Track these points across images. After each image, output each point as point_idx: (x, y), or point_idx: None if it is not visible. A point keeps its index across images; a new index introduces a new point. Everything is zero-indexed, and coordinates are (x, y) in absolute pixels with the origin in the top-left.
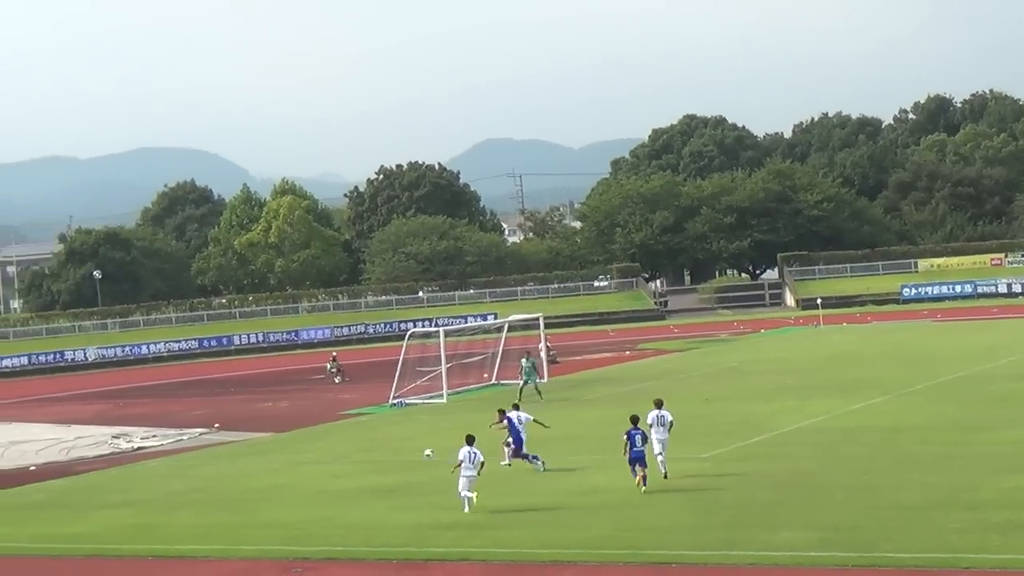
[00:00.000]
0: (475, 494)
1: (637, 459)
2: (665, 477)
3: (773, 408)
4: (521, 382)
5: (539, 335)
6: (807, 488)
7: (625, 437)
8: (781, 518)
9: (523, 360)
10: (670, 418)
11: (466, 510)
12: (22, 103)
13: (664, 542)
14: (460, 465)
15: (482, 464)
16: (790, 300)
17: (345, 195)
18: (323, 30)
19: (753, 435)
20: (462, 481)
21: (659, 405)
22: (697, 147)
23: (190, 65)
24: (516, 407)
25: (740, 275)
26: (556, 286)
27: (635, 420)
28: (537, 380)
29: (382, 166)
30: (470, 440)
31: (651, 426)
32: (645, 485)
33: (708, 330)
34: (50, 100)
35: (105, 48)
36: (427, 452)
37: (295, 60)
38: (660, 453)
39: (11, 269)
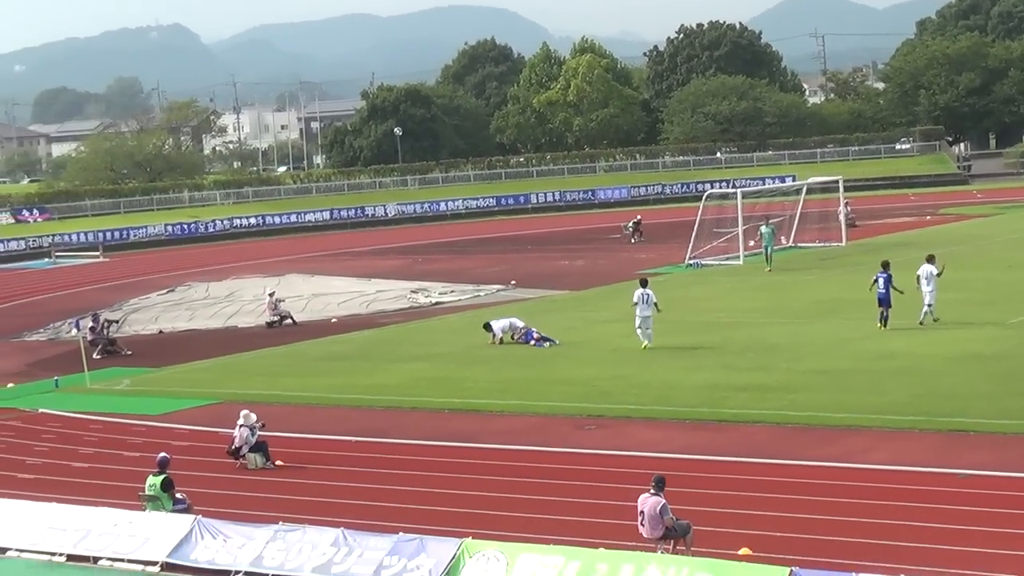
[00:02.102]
0: (651, 333)
1: (881, 300)
2: (644, 348)
3: None
4: (763, 249)
5: (838, 198)
6: None
7: (874, 279)
8: None
9: (762, 227)
10: (654, 299)
11: (645, 344)
12: None
13: (962, 409)
14: (635, 305)
15: (656, 304)
16: None
17: (644, 54)
18: None
19: None
20: (638, 319)
21: (644, 284)
22: (1007, 7)
23: None
24: (644, 283)
25: None
26: (856, 148)
27: (886, 265)
28: (773, 248)
29: (682, 25)
30: (644, 283)
31: (635, 304)
32: (884, 326)
33: (1013, 195)
34: None
35: None
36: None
37: None
38: (643, 328)
39: (315, 125)
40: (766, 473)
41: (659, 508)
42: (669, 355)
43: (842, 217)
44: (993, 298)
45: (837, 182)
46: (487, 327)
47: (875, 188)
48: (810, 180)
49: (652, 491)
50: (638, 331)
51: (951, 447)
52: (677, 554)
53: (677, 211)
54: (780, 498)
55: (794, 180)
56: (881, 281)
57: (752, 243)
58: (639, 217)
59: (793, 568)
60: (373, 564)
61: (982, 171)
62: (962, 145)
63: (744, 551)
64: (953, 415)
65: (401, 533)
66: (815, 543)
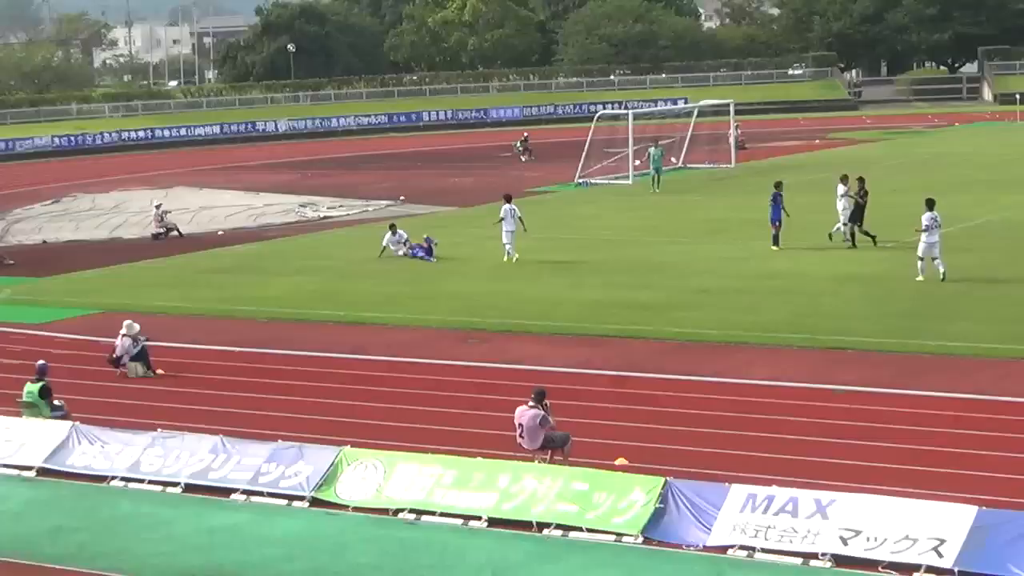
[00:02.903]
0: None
1: (773, 219)
2: (508, 261)
3: (962, 200)
4: (651, 171)
5: (729, 121)
6: (991, 281)
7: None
8: (962, 309)
9: (651, 148)
10: (519, 213)
11: (507, 257)
12: None
13: (841, 328)
14: (501, 220)
15: (521, 219)
16: (988, 95)
17: None
18: None
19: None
20: (505, 235)
21: (508, 200)
22: None
23: None
24: (508, 199)
25: (938, 68)
26: (749, 73)
27: (778, 185)
28: (663, 169)
29: None
30: (508, 198)
31: (501, 220)
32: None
33: (901, 122)
34: None
35: None
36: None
37: None
38: (510, 242)
39: (208, 40)
40: (645, 387)
41: (538, 419)
42: (554, 271)
43: (732, 140)
44: (874, 221)
45: (728, 106)
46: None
47: (766, 112)
48: (702, 103)
49: (531, 403)
50: (506, 246)
51: (829, 364)
52: (554, 464)
53: (569, 131)
54: (658, 411)
55: (686, 103)
56: (772, 202)
57: (638, 163)
58: (526, 134)
59: (668, 478)
60: (251, 471)
61: (873, 97)
62: (854, 72)
63: (620, 461)
64: (832, 333)
65: (280, 441)
66: (691, 454)
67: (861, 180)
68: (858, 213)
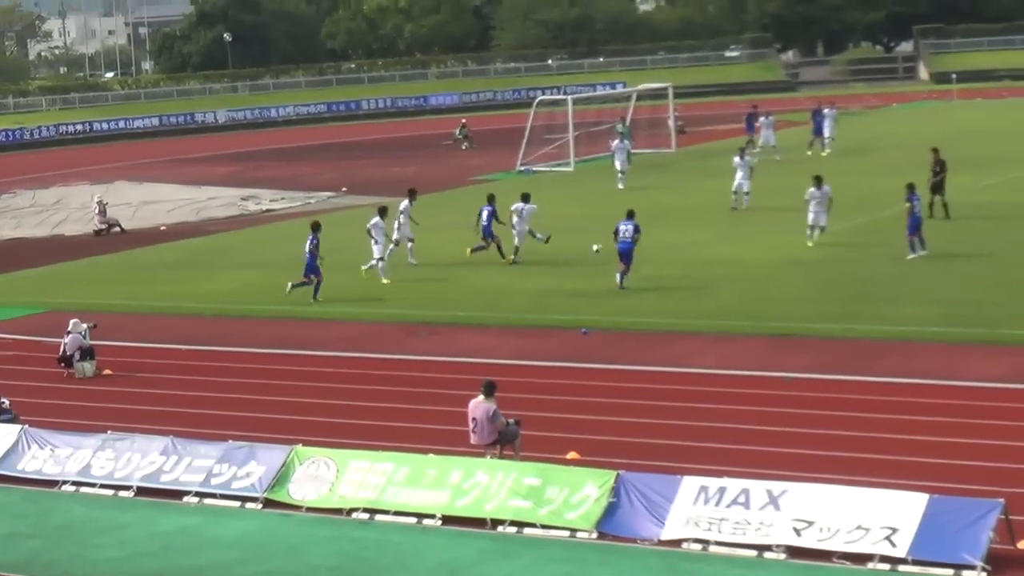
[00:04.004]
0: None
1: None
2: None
3: (902, 182)
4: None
5: (668, 105)
6: (934, 263)
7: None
8: (905, 292)
9: (618, 126)
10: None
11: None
12: None
13: (787, 314)
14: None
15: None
16: (924, 74)
17: None
18: None
19: (881, 209)
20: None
21: (411, 195)
22: None
23: None
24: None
25: (874, 47)
26: (686, 55)
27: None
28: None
29: None
30: (411, 193)
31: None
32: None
33: (839, 102)
34: None
35: None
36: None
37: None
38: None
39: (143, 31)
40: (595, 378)
41: (491, 413)
42: (501, 261)
43: (672, 123)
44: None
45: (667, 89)
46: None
47: (705, 95)
48: (640, 87)
49: (482, 396)
50: (407, 249)
51: (776, 351)
52: (505, 458)
53: (508, 117)
54: (608, 402)
55: (624, 87)
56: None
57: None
58: (465, 121)
59: (620, 471)
60: (203, 472)
61: (810, 78)
62: (790, 52)
63: (572, 455)
64: (779, 320)
65: (231, 441)
66: (642, 447)
67: (935, 151)
68: (939, 185)
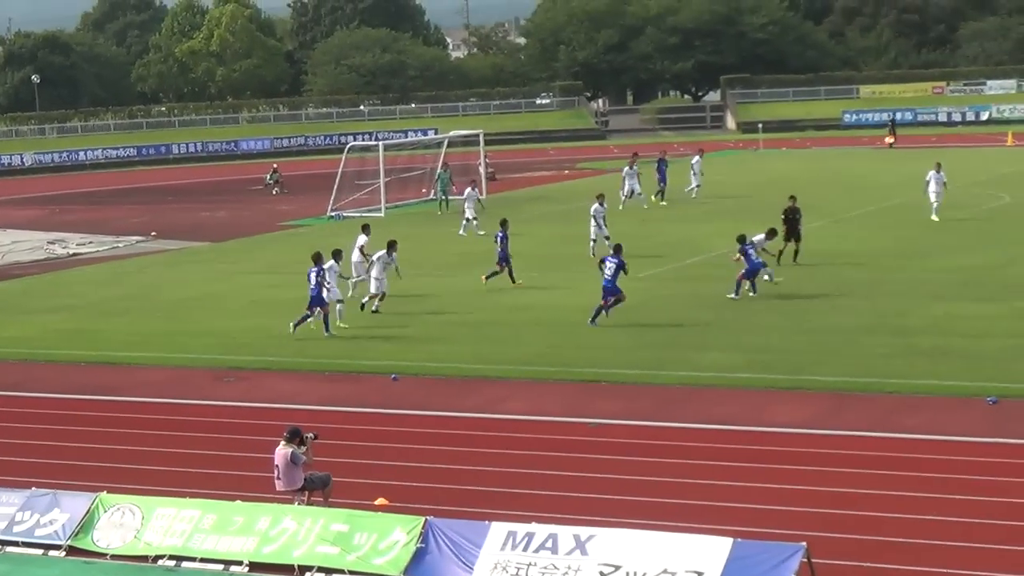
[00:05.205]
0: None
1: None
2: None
3: (709, 230)
4: (440, 195)
5: (479, 151)
6: (739, 310)
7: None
8: (711, 339)
9: (440, 171)
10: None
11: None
12: None
13: (596, 360)
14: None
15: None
16: (731, 123)
17: (288, 5)
18: None
19: (689, 256)
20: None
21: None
22: None
23: None
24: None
25: (683, 96)
26: (498, 103)
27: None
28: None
29: None
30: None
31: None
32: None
33: (648, 151)
34: None
35: None
36: None
37: None
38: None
39: None
40: (404, 424)
41: (290, 455)
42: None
43: (482, 170)
44: (626, 252)
45: (478, 136)
46: None
47: (515, 142)
48: (452, 133)
49: (285, 442)
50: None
51: (584, 397)
52: (314, 505)
53: (320, 163)
54: (418, 448)
55: (436, 133)
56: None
57: (425, 191)
58: (276, 166)
59: (428, 518)
60: (5, 520)
61: (619, 126)
62: (600, 101)
63: (380, 501)
64: (587, 365)
65: (34, 488)
66: (451, 493)
67: (792, 199)
68: (793, 231)
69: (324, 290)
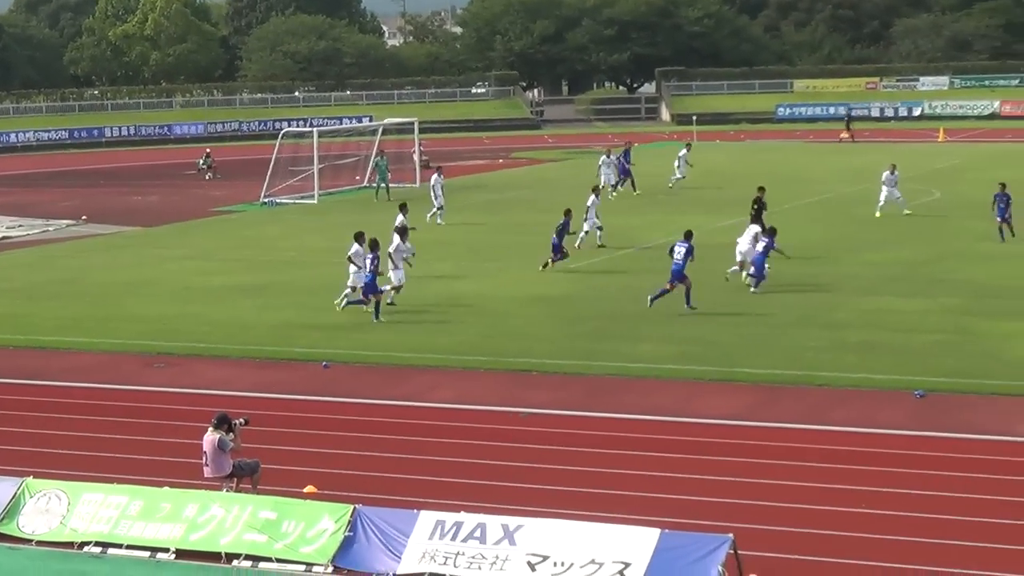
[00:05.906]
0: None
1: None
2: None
3: (642, 221)
4: (378, 184)
5: (413, 139)
6: (671, 302)
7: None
8: (643, 330)
9: (378, 159)
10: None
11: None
12: None
13: (527, 350)
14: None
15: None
16: (666, 115)
17: None
18: None
19: (621, 248)
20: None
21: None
22: None
23: None
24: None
25: (618, 88)
26: (433, 91)
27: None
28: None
29: None
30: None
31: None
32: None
33: (582, 141)
34: None
35: None
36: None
37: None
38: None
39: None
40: (334, 411)
41: (218, 442)
42: (241, 293)
43: (416, 158)
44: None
45: (413, 124)
46: None
47: (450, 131)
48: (386, 121)
49: (213, 428)
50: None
51: (515, 386)
52: (242, 492)
53: (254, 148)
54: (347, 436)
55: (371, 121)
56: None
57: (358, 177)
58: (209, 151)
59: (357, 506)
60: None
61: (554, 117)
62: (536, 91)
63: (309, 489)
64: (518, 355)
65: None
66: (380, 480)
67: (760, 190)
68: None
69: (374, 276)
